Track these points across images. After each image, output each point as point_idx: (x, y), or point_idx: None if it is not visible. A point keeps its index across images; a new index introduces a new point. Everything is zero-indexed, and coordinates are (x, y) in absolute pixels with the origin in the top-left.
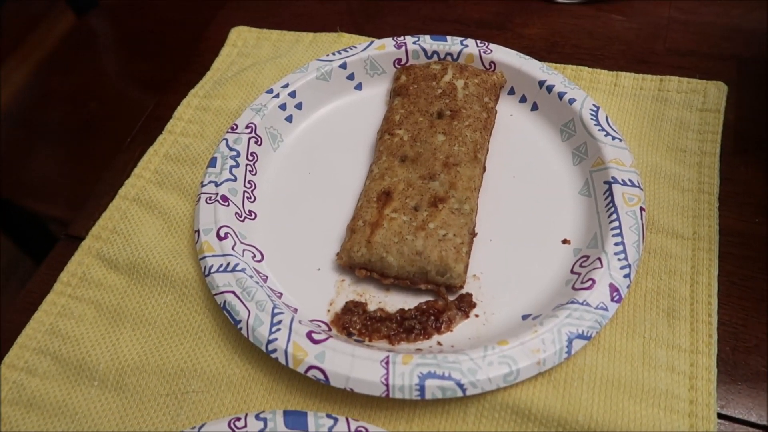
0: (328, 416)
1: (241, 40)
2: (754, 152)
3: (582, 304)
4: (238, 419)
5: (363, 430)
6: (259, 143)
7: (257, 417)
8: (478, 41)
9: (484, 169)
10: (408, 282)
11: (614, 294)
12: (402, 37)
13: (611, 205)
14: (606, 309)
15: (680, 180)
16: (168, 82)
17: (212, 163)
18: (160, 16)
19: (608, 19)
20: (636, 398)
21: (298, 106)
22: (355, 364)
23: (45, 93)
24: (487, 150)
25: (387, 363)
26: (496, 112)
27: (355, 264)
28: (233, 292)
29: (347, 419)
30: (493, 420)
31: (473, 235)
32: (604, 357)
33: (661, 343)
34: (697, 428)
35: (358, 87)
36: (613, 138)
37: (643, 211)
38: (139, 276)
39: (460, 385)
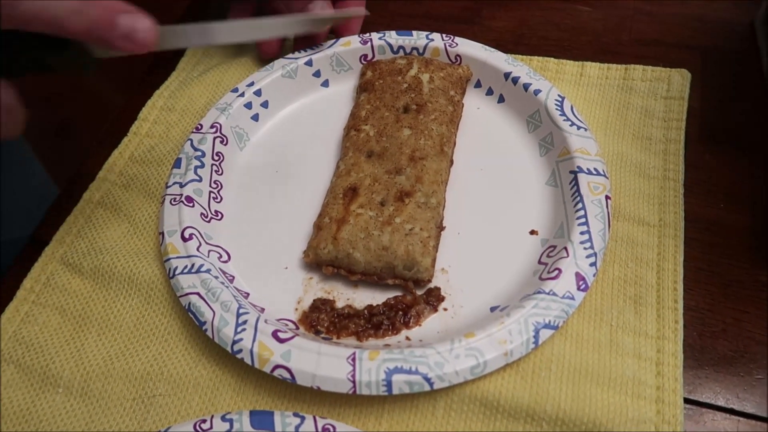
0: (295, 415)
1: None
2: (719, 139)
3: (548, 293)
4: (204, 421)
5: (330, 427)
6: (224, 143)
7: (223, 418)
8: (444, 35)
9: (452, 162)
10: (375, 278)
11: (580, 283)
12: (367, 33)
13: (577, 194)
14: (572, 298)
15: (646, 167)
16: (136, 83)
17: (177, 163)
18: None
19: (575, 11)
20: (603, 386)
21: (264, 105)
22: (322, 362)
23: (21, 95)
24: (455, 143)
25: (353, 359)
26: (462, 105)
27: (322, 261)
28: (198, 294)
29: (314, 417)
30: (462, 413)
31: (441, 228)
32: (571, 346)
33: (628, 330)
34: (663, 414)
35: (325, 84)
36: (579, 128)
37: (608, 200)
38: (104, 280)
39: (428, 379)
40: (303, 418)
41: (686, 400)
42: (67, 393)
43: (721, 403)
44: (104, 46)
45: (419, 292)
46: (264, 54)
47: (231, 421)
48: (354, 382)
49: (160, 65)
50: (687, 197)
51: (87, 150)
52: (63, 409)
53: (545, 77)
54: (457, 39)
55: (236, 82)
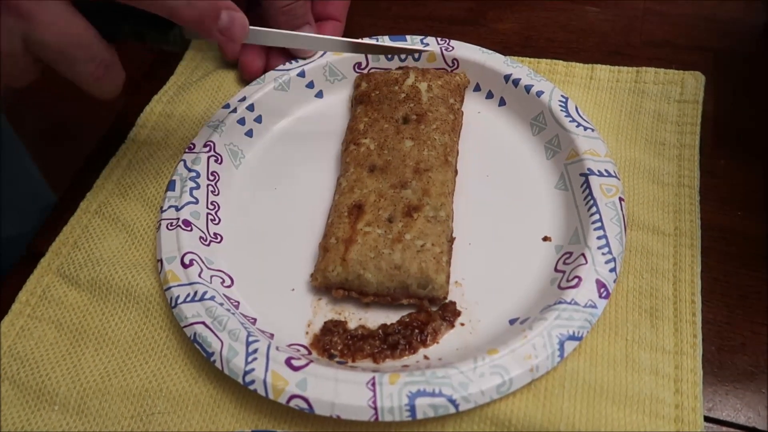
0: None
1: (206, 44)
2: (734, 144)
3: (570, 303)
4: None
5: None
6: (219, 161)
7: None
8: (439, 39)
9: (456, 172)
10: (389, 298)
11: (602, 290)
12: (360, 39)
13: (590, 197)
14: (595, 306)
15: (660, 174)
16: (133, 87)
17: (171, 186)
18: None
19: (582, 12)
20: (619, 404)
21: (258, 120)
22: (340, 389)
23: (18, 96)
24: (457, 152)
25: (373, 384)
26: (462, 114)
27: (331, 284)
28: (203, 323)
29: None
30: None
31: (451, 241)
32: (585, 362)
33: (645, 345)
34: None
35: (319, 95)
36: (585, 128)
37: (622, 202)
38: (102, 292)
39: (452, 401)
40: None
41: (706, 419)
42: (63, 411)
43: (741, 421)
44: (203, 35)
45: (434, 309)
46: (246, 75)
47: None
48: (376, 408)
49: (157, 69)
50: (702, 205)
51: (84, 157)
52: (59, 428)
53: (554, 80)
54: (453, 42)
55: (235, 87)
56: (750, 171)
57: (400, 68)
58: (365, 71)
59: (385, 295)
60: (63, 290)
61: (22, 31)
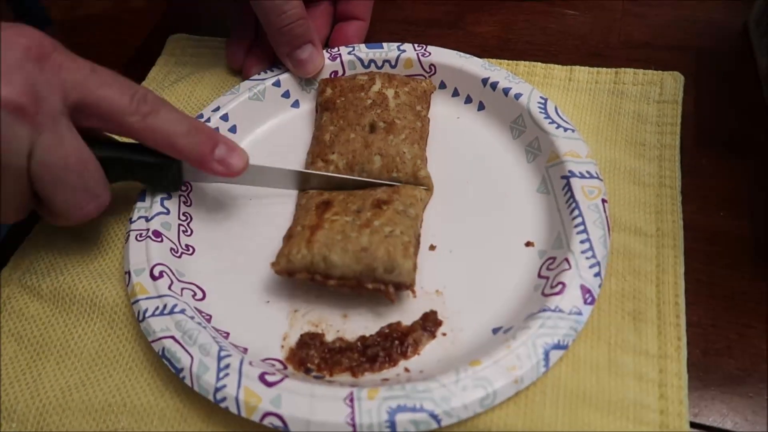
0: None
1: (179, 48)
2: (715, 143)
3: (555, 311)
4: None
5: None
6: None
7: None
8: (416, 45)
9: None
10: (354, 281)
11: (587, 296)
12: (336, 49)
13: (572, 200)
14: (580, 313)
15: (641, 175)
16: None
17: (141, 197)
18: (115, 29)
19: (561, 15)
20: (602, 411)
21: (232, 129)
22: (316, 406)
23: None
24: (426, 159)
25: (351, 400)
26: (428, 121)
27: (294, 269)
28: (173, 337)
29: None
30: None
31: (418, 245)
32: (567, 368)
33: (628, 349)
34: None
35: (295, 104)
36: (565, 129)
37: (605, 203)
38: (65, 303)
39: (434, 417)
40: None
41: (691, 424)
42: (21, 428)
43: (728, 426)
44: (200, 166)
45: (416, 318)
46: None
47: None
48: (354, 425)
49: (129, 74)
50: (684, 205)
51: None
52: None
53: (533, 83)
54: (430, 48)
55: (209, 92)
56: (731, 170)
57: (365, 73)
58: None
59: (351, 279)
60: (24, 301)
61: (29, 145)
